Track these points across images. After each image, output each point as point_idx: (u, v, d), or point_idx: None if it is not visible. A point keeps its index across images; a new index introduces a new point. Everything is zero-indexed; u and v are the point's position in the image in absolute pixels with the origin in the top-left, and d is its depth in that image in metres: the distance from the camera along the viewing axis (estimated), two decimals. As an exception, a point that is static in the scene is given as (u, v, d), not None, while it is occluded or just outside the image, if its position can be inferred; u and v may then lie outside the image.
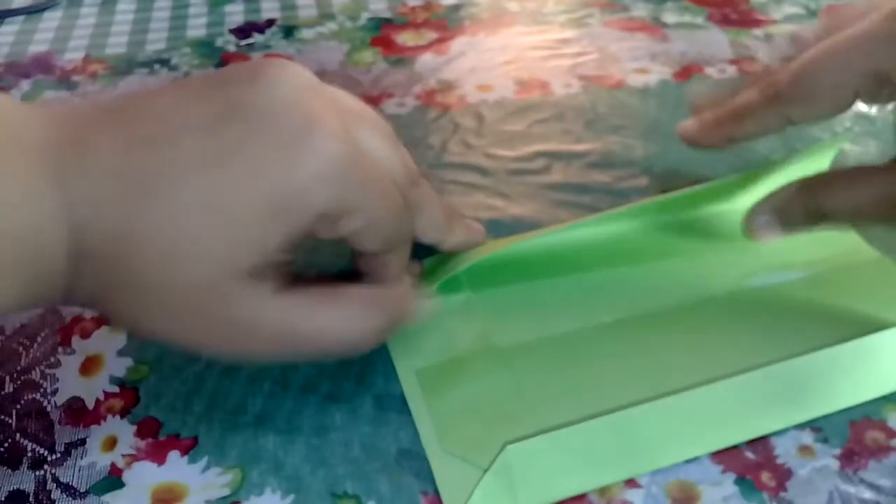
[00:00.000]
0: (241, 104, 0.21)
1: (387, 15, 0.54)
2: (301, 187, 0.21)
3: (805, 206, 0.29)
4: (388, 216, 0.24)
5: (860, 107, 0.30)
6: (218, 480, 0.26)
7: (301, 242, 0.22)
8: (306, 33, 0.52)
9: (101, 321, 0.31)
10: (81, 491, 0.26)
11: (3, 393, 0.29)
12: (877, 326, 0.27)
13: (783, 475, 0.26)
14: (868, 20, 0.26)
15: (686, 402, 0.25)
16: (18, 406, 0.28)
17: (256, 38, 0.52)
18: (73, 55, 0.50)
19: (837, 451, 0.26)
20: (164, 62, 0.49)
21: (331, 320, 0.23)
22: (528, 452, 0.24)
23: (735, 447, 0.26)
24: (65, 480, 0.26)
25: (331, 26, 0.53)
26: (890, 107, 0.28)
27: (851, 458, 0.26)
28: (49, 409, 0.28)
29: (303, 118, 0.21)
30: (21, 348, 0.30)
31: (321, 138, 0.21)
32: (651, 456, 0.26)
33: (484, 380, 0.27)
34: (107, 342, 0.31)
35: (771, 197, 0.30)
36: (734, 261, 0.32)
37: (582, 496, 0.25)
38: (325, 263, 0.28)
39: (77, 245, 0.21)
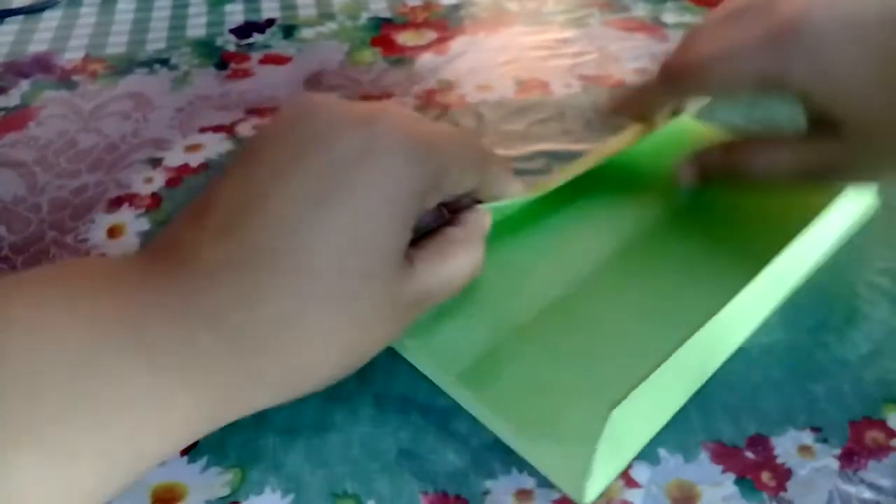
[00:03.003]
0: (301, 145, 0.24)
1: (387, 14, 0.54)
2: (407, 178, 0.24)
3: (724, 163, 0.32)
4: (472, 154, 0.26)
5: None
6: (218, 480, 0.26)
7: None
8: (306, 33, 0.52)
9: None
10: (81, 490, 0.26)
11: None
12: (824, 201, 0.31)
13: (783, 475, 0.26)
14: (759, 24, 0.29)
15: (725, 317, 0.27)
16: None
17: (256, 37, 0.52)
18: (72, 55, 0.50)
19: (837, 451, 0.26)
20: (164, 62, 0.49)
21: (452, 269, 0.26)
22: (627, 410, 0.24)
23: (735, 447, 0.26)
24: (64, 480, 0.26)
25: (331, 26, 0.53)
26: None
27: (851, 458, 0.26)
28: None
29: (367, 130, 0.24)
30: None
31: (389, 141, 0.24)
32: (700, 374, 0.28)
33: (520, 360, 0.28)
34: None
35: (698, 152, 0.33)
36: (664, 189, 0.35)
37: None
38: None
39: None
